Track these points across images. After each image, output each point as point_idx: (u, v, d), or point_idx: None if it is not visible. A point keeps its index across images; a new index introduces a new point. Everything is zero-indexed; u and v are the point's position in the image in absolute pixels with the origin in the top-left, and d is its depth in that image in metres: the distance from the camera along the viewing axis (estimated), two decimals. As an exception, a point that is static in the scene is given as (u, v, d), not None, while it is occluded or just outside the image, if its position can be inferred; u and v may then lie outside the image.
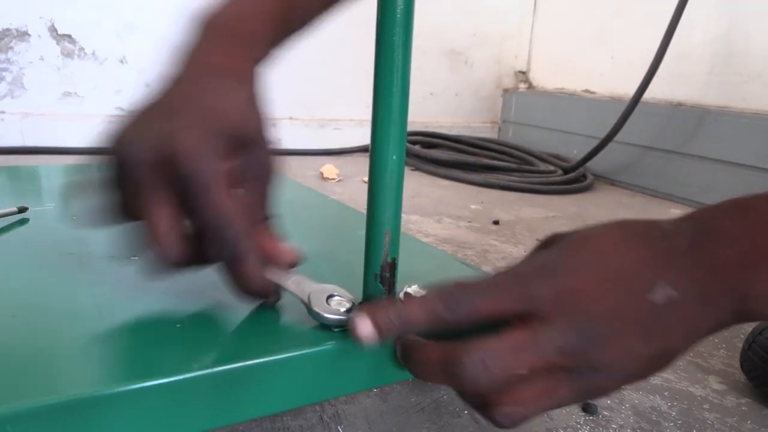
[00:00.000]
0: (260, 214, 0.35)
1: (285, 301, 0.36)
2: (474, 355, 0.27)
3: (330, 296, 0.34)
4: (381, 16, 0.32)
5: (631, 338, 0.28)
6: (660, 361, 0.29)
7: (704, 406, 0.47)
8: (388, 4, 0.31)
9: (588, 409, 0.45)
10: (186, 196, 0.31)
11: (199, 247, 0.32)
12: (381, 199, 0.34)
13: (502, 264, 0.79)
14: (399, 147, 0.33)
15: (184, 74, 0.36)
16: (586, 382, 0.28)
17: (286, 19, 0.40)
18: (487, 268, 0.77)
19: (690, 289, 0.29)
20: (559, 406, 0.29)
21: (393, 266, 0.35)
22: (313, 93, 1.62)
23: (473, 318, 0.28)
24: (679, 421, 0.45)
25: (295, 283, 0.34)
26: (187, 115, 0.33)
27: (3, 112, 1.33)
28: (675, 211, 1.22)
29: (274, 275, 0.34)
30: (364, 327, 0.29)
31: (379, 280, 0.35)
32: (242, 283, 0.33)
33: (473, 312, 0.28)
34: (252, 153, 0.34)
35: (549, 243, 0.33)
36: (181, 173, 0.30)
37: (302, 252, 0.36)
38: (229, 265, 0.32)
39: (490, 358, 0.27)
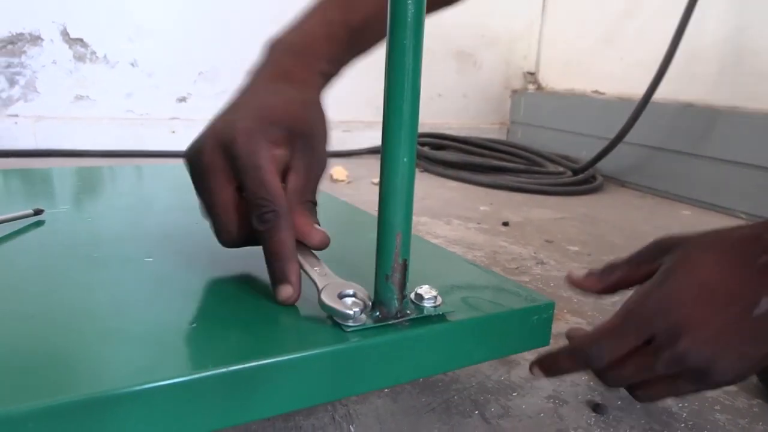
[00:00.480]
0: (302, 197, 0.38)
1: (300, 299, 0.37)
2: (610, 372, 0.38)
3: (344, 294, 0.35)
4: (392, 19, 0.32)
5: (743, 346, 0.35)
6: None
7: (715, 407, 0.47)
8: (399, 7, 0.32)
9: (598, 410, 0.45)
10: (239, 175, 0.36)
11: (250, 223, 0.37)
12: (392, 201, 0.34)
13: (512, 265, 0.79)
14: (410, 149, 0.34)
15: (251, 83, 0.41)
16: (700, 380, 0.36)
17: (348, 40, 0.45)
18: (497, 269, 0.77)
19: None
20: (683, 394, 0.39)
21: (404, 267, 0.35)
22: (323, 94, 1.63)
23: (612, 360, 0.38)
24: (690, 422, 0.45)
25: (318, 273, 0.36)
26: (246, 110, 0.38)
27: (16, 116, 1.35)
28: (685, 212, 1.22)
29: (303, 262, 0.37)
30: (538, 373, 0.41)
31: (390, 282, 0.35)
32: (274, 252, 0.35)
33: (612, 357, 0.37)
34: (301, 146, 0.38)
35: (659, 250, 0.40)
36: (234, 153, 0.36)
37: (329, 237, 0.38)
38: (266, 234, 0.36)
39: (619, 377, 0.38)
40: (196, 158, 0.38)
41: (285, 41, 0.43)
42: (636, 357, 0.37)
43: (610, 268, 0.42)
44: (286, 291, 0.35)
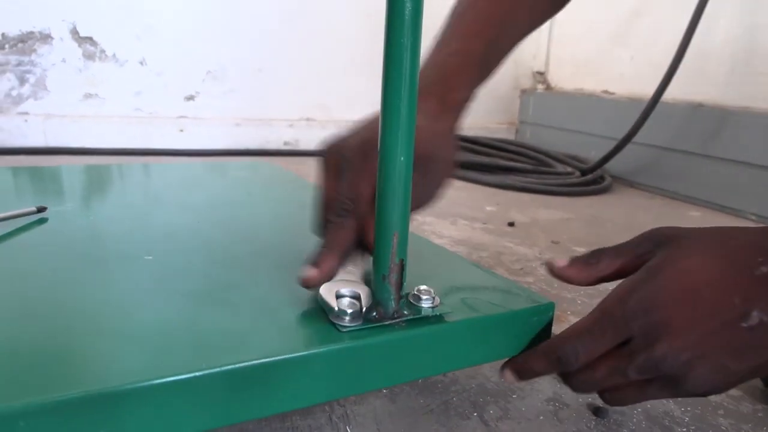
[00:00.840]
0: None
1: (298, 299, 0.37)
2: (580, 375, 0.37)
3: (341, 293, 0.35)
4: (389, 18, 0.32)
5: (723, 358, 0.33)
6: (755, 373, 0.33)
7: (719, 412, 0.47)
8: (397, 6, 0.31)
9: (599, 413, 0.45)
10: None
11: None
12: (389, 200, 0.34)
13: (516, 266, 0.79)
14: (407, 148, 0.33)
15: None
16: (673, 389, 0.34)
17: (477, 68, 0.49)
18: (501, 270, 0.76)
19: None
20: (654, 398, 0.37)
21: (401, 267, 0.35)
22: (332, 94, 1.63)
23: (587, 362, 0.36)
24: (693, 427, 0.44)
25: (345, 270, 0.38)
26: (372, 127, 0.41)
27: (26, 114, 1.36)
28: (695, 214, 1.21)
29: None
30: (509, 377, 0.39)
31: (387, 282, 0.35)
32: (324, 238, 0.38)
33: (586, 359, 0.36)
34: (421, 169, 0.38)
35: (653, 242, 0.37)
36: (344, 158, 0.40)
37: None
38: (331, 225, 0.39)
39: (589, 380, 0.36)
40: (322, 156, 0.43)
41: (423, 74, 0.47)
42: (608, 359, 0.35)
43: (597, 255, 0.39)
44: (307, 271, 0.36)
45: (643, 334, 0.34)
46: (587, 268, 0.39)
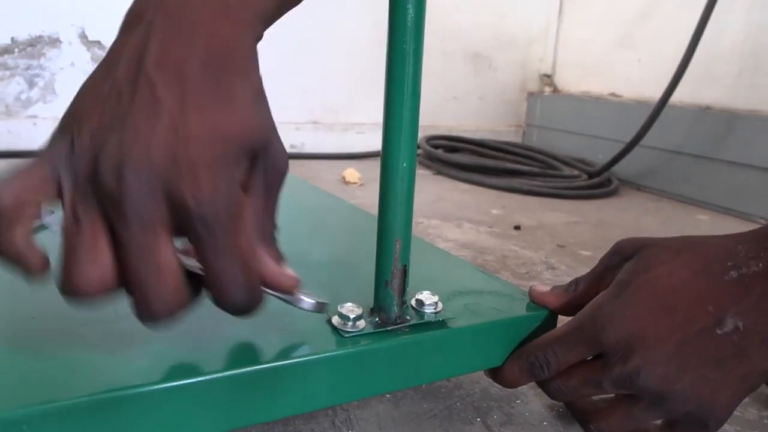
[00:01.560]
0: (263, 229, 0.29)
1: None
2: (554, 382, 0.37)
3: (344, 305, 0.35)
4: (392, 23, 0.32)
5: (704, 368, 0.32)
6: (745, 382, 0.32)
7: (725, 419, 0.46)
8: (399, 11, 0.32)
9: (604, 419, 0.44)
10: (195, 231, 0.25)
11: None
12: (392, 206, 0.34)
13: (522, 270, 0.79)
14: (410, 154, 0.34)
15: (175, 74, 0.25)
16: (659, 406, 0.34)
17: None
18: (506, 274, 0.76)
19: (761, 317, 0.31)
20: (644, 422, 0.36)
21: (404, 273, 0.35)
22: (338, 97, 1.64)
23: (557, 371, 0.36)
24: (698, 434, 0.44)
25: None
26: (189, 128, 0.25)
27: (35, 117, 1.37)
28: (702, 217, 1.20)
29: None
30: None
31: (389, 287, 0.35)
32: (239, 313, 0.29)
33: (557, 368, 0.36)
34: (259, 161, 0.28)
35: (621, 257, 0.37)
36: (194, 213, 0.25)
37: (299, 279, 0.32)
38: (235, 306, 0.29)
39: (563, 387, 0.37)
40: (131, 202, 0.24)
41: None
42: (584, 369, 0.35)
43: (575, 282, 0.40)
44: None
45: (616, 348, 0.33)
46: (565, 294, 0.40)
